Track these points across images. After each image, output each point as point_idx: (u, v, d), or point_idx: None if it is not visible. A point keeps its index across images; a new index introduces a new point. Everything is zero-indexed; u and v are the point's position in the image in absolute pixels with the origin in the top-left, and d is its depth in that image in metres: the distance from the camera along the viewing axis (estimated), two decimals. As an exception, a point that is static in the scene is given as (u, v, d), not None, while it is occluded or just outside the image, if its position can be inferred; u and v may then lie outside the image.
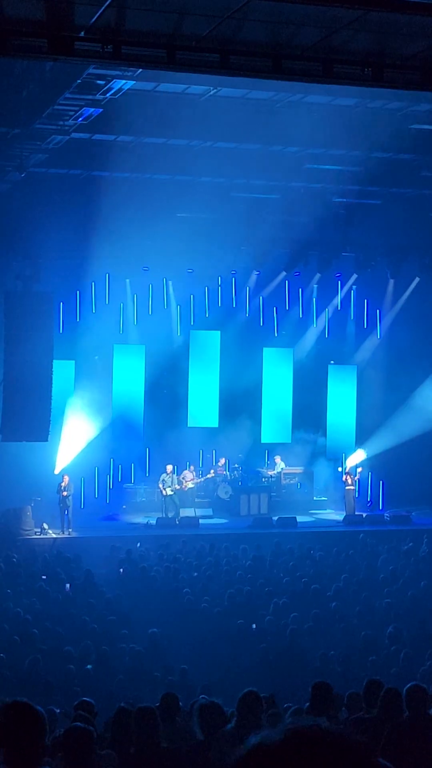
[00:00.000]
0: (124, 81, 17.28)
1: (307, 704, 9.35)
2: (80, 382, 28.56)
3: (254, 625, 16.43)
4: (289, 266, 29.63)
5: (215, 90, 20.22)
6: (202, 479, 29.56)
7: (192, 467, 29.74)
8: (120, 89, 17.69)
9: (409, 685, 9.05)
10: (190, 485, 28.84)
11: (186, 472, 29.27)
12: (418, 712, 8.72)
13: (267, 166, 24.24)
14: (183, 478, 28.94)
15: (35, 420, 24.92)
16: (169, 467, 28.24)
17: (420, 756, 8.38)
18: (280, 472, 30.48)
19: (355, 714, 9.41)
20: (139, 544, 23.29)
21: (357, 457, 30.64)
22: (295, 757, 1.87)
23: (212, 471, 29.94)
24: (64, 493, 25.80)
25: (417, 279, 30.90)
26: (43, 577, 19.85)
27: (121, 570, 20.79)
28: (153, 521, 27.22)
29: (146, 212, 26.36)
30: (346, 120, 22.51)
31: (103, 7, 10.73)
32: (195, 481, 29.23)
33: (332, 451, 31.34)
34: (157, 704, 8.98)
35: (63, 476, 26.20)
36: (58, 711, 10.59)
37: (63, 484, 25.93)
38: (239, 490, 29.41)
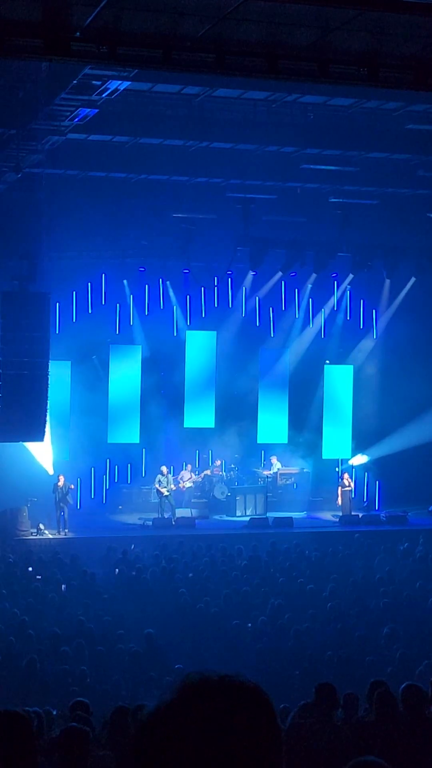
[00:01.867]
0: (119, 81, 17.27)
1: (303, 702, 9.35)
2: (76, 383, 28.58)
3: (249, 624, 16.42)
4: (286, 266, 29.63)
5: (211, 90, 20.23)
6: (200, 477, 29.55)
7: (189, 466, 29.75)
8: (116, 90, 17.68)
9: (404, 685, 9.06)
10: (189, 484, 28.83)
11: (183, 471, 29.27)
12: (415, 712, 8.72)
13: (263, 166, 24.27)
14: (180, 478, 28.93)
15: (31, 420, 24.89)
16: (164, 468, 28.24)
17: (418, 755, 8.39)
18: (276, 472, 30.49)
19: (352, 715, 9.41)
20: (133, 546, 23.29)
21: (358, 461, 30.73)
22: (190, 709, 1.93)
23: (208, 470, 29.96)
24: (70, 486, 25.91)
25: (413, 279, 30.90)
26: (38, 577, 19.87)
27: (117, 570, 20.78)
28: (149, 522, 27.23)
29: (142, 212, 26.38)
30: (342, 120, 22.58)
31: (98, 8, 10.74)
32: (193, 479, 29.24)
33: (328, 451, 31.35)
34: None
35: (59, 476, 26.21)
36: (55, 712, 10.59)
37: (59, 485, 25.93)
38: (235, 490, 29.42)
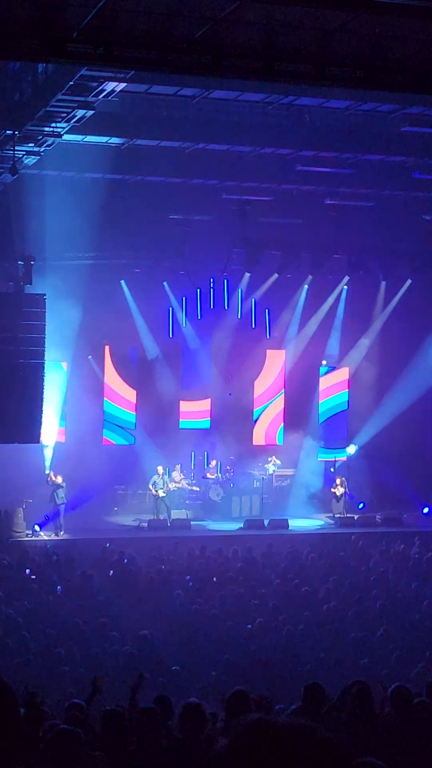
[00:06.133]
0: (116, 83, 17.26)
1: (296, 706, 9.36)
2: (72, 384, 28.56)
3: (249, 626, 16.38)
4: (281, 268, 29.65)
5: (207, 92, 20.24)
6: (188, 486, 29.29)
7: (177, 467, 29.49)
8: (112, 91, 17.67)
9: (393, 686, 9.14)
10: (172, 487, 28.58)
11: (173, 473, 29.13)
12: (402, 711, 8.81)
13: (259, 168, 24.29)
14: (171, 479, 28.79)
15: (26, 421, 24.87)
16: (160, 469, 28.19)
17: (405, 754, 8.42)
18: (272, 473, 30.48)
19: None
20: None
21: (351, 450, 30.81)
22: (244, 758, 1.90)
23: (209, 473, 29.70)
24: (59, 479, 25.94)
25: (409, 281, 30.94)
26: (33, 577, 19.84)
27: (111, 572, 20.76)
28: (144, 523, 27.20)
29: (139, 214, 26.37)
30: (338, 122, 22.60)
31: (95, 9, 10.74)
32: (180, 483, 29.04)
33: (324, 453, 31.36)
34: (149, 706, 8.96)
35: (49, 472, 26.31)
36: (49, 713, 10.55)
37: (54, 479, 25.96)
38: (231, 491, 29.41)
